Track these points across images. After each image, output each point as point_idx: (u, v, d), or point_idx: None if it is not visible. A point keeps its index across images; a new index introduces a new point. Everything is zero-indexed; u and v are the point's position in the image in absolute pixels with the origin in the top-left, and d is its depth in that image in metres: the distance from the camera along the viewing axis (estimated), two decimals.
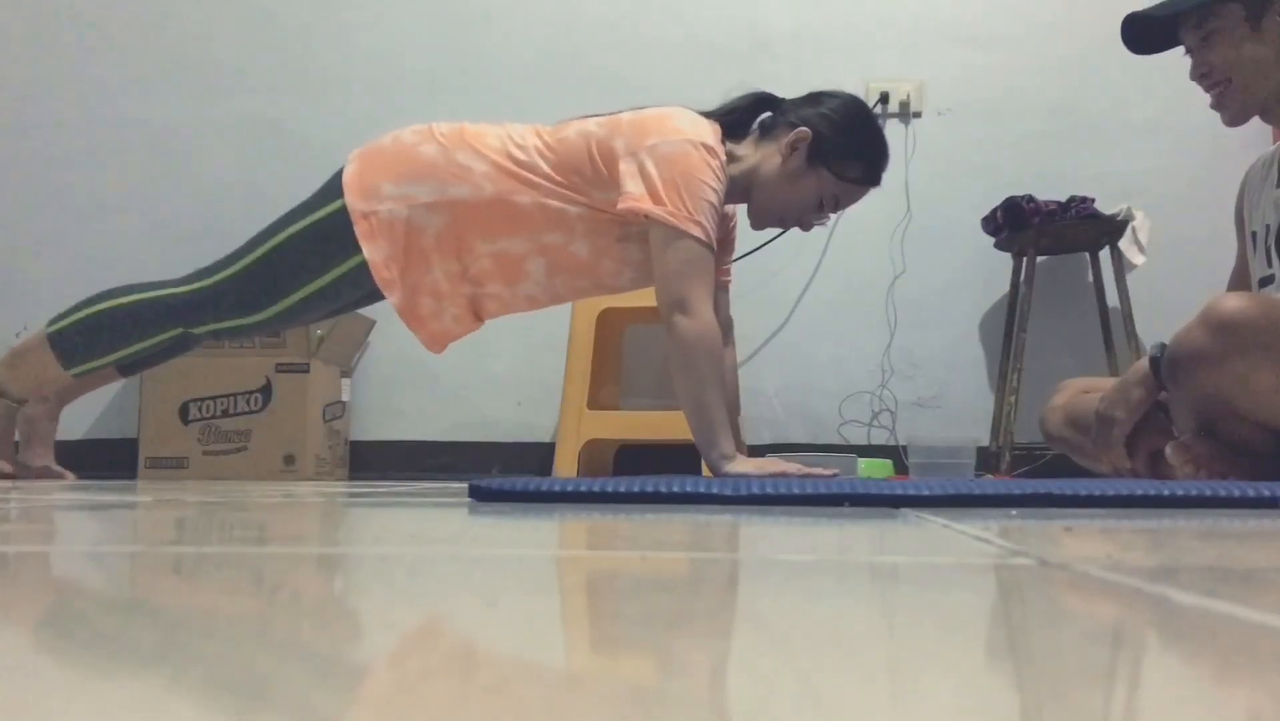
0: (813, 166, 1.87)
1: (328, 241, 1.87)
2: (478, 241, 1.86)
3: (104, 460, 3.11)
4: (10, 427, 2.13)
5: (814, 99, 1.94)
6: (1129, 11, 1.90)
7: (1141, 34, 1.91)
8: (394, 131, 1.96)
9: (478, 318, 1.98)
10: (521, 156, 1.85)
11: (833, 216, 1.98)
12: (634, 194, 1.75)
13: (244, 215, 3.38)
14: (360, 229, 1.84)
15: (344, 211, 1.86)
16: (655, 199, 1.74)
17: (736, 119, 1.94)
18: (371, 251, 1.84)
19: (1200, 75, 1.85)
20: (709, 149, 1.79)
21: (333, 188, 1.91)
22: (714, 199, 1.78)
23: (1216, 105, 1.85)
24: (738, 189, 1.89)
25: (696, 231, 1.73)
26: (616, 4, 3.37)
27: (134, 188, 3.41)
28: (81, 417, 3.16)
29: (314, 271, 1.89)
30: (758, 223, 1.97)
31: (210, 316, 1.95)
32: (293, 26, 3.43)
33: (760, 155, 1.90)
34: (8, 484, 1.94)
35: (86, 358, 2.01)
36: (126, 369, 2.15)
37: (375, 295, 1.96)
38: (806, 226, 1.97)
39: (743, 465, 1.71)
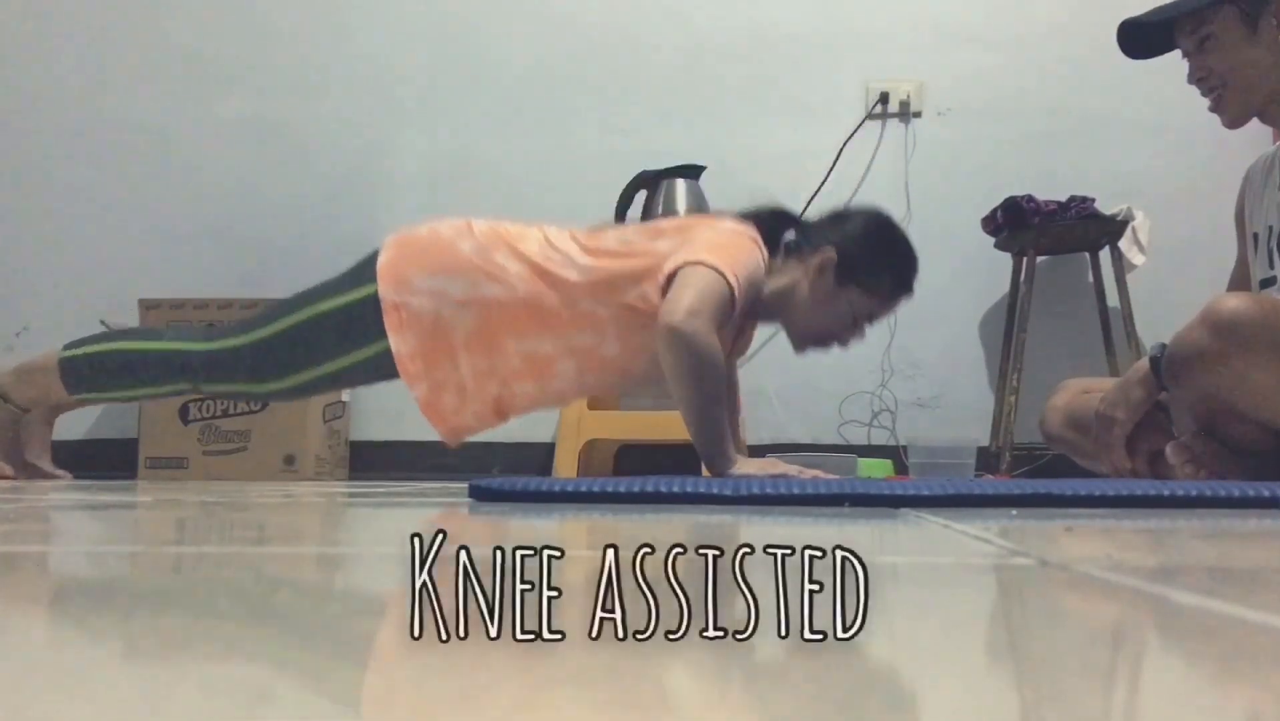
0: (843, 287, 1.86)
1: (352, 326, 1.86)
2: (508, 340, 1.84)
3: (104, 460, 3.11)
4: (14, 433, 2.14)
5: (836, 219, 1.93)
6: (1125, 18, 1.90)
7: (1137, 39, 1.91)
8: (432, 223, 1.95)
9: (500, 415, 1.95)
10: (557, 258, 1.84)
11: (868, 328, 1.96)
12: (676, 259, 1.74)
13: (243, 215, 3.39)
14: (390, 320, 1.83)
15: (374, 298, 1.84)
16: (697, 260, 1.73)
17: (763, 232, 1.90)
18: (399, 344, 1.83)
19: (1198, 79, 1.85)
20: (754, 239, 1.80)
21: (365, 272, 1.89)
22: (752, 274, 1.76)
23: (1215, 108, 1.85)
24: (769, 309, 1.88)
25: (729, 276, 1.71)
26: (616, 4, 3.37)
27: (134, 188, 3.41)
28: (82, 418, 3.16)
29: (333, 353, 1.88)
30: (798, 346, 1.96)
31: (222, 378, 1.94)
32: (293, 26, 3.43)
33: (788, 277, 1.88)
34: (7, 484, 1.94)
35: (90, 389, 2.03)
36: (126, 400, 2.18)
37: (387, 378, 1.95)
38: (845, 344, 1.95)
39: (745, 467, 1.70)
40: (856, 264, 1.86)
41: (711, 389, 1.72)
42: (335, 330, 1.87)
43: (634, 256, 1.82)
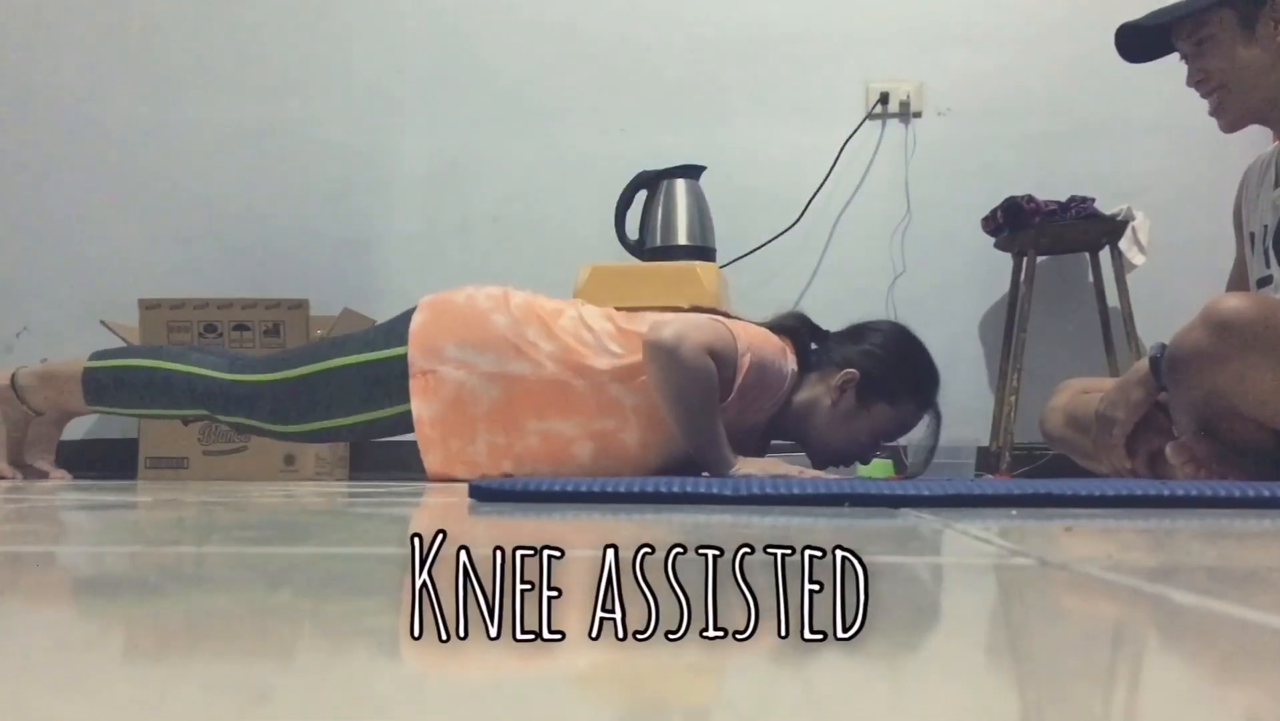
0: (864, 404, 1.88)
1: (377, 384, 1.87)
2: (529, 419, 1.85)
3: (104, 460, 3.11)
4: (21, 434, 2.14)
5: (857, 334, 1.95)
6: (1123, 22, 1.90)
7: (1135, 43, 1.91)
8: (470, 289, 1.95)
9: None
10: (590, 340, 1.85)
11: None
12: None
13: (244, 216, 3.39)
14: (415, 384, 1.84)
15: (403, 360, 1.85)
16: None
17: (792, 342, 1.93)
18: (421, 408, 1.83)
19: (1196, 82, 1.85)
20: (784, 348, 1.83)
21: (397, 332, 1.89)
22: (771, 360, 1.79)
23: (1214, 111, 1.85)
24: (791, 421, 1.89)
25: (733, 333, 1.74)
26: (616, 4, 3.37)
27: (134, 188, 3.41)
28: (82, 418, 3.16)
29: (355, 407, 1.88)
30: (818, 461, 1.96)
31: (240, 412, 1.94)
32: (293, 28, 3.43)
33: (810, 393, 1.90)
34: (7, 484, 1.94)
35: (110, 403, 2.03)
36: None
37: (402, 433, 1.95)
38: (866, 461, 1.99)
39: (747, 467, 1.71)
40: (879, 383, 1.88)
41: (700, 398, 1.72)
42: (361, 383, 1.87)
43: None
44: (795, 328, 1.95)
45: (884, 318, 3.24)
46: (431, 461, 1.88)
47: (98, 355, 2.06)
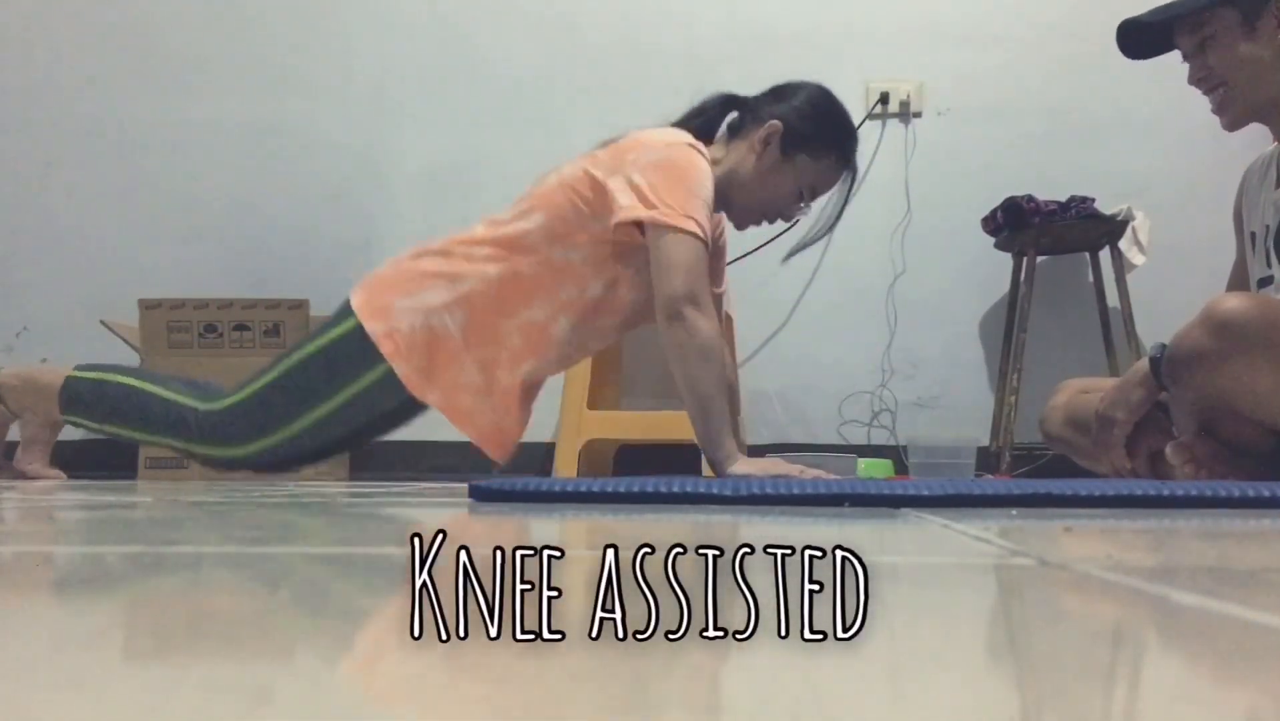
0: (787, 157, 1.90)
1: (338, 360, 1.86)
2: (501, 321, 1.86)
3: (104, 460, 3.11)
4: (3, 434, 2.13)
5: (779, 93, 1.97)
6: (1125, 18, 1.90)
7: (1137, 40, 1.91)
8: (390, 259, 1.97)
9: (522, 400, 1.94)
10: (511, 227, 1.87)
11: (813, 206, 1.99)
12: (625, 205, 1.76)
13: (243, 215, 3.39)
14: (386, 349, 1.83)
15: (357, 330, 1.84)
16: (647, 204, 1.75)
17: (705, 123, 1.97)
18: (403, 368, 1.83)
19: (1198, 80, 1.85)
20: (694, 146, 1.82)
21: (340, 314, 1.89)
22: (705, 195, 1.79)
23: (1216, 109, 1.85)
24: (717, 193, 1.89)
25: (691, 227, 1.74)
26: (616, 4, 3.37)
27: (134, 188, 3.41)
28: None
29: (325, 391, 1.87)
30: (740, 222, 1.99)
31: (219, 440, 1.91)
32: (293, 27, 3.43)
33: (734, 156, 1.93)
34: (6, 484, 1.94)
35: (83, 415, 2.01)
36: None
37: (385, 421, 1.94)
38: (789, 218, 2.00)
39: (745, 465, 1.71)
40: (801, 135, 1.90)
41: (712, 386, 1.74)
42: (324, 365, 1.87)
43: (579, 193, 1.84)
44: (713, 110, 1.99)
45: (884, 314, 3.26)
46: (436, 400, 1.87)
47: (83, 366, 2.04)
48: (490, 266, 1.85)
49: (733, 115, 1.99)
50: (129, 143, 3.41)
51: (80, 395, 2.00)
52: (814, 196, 1.97)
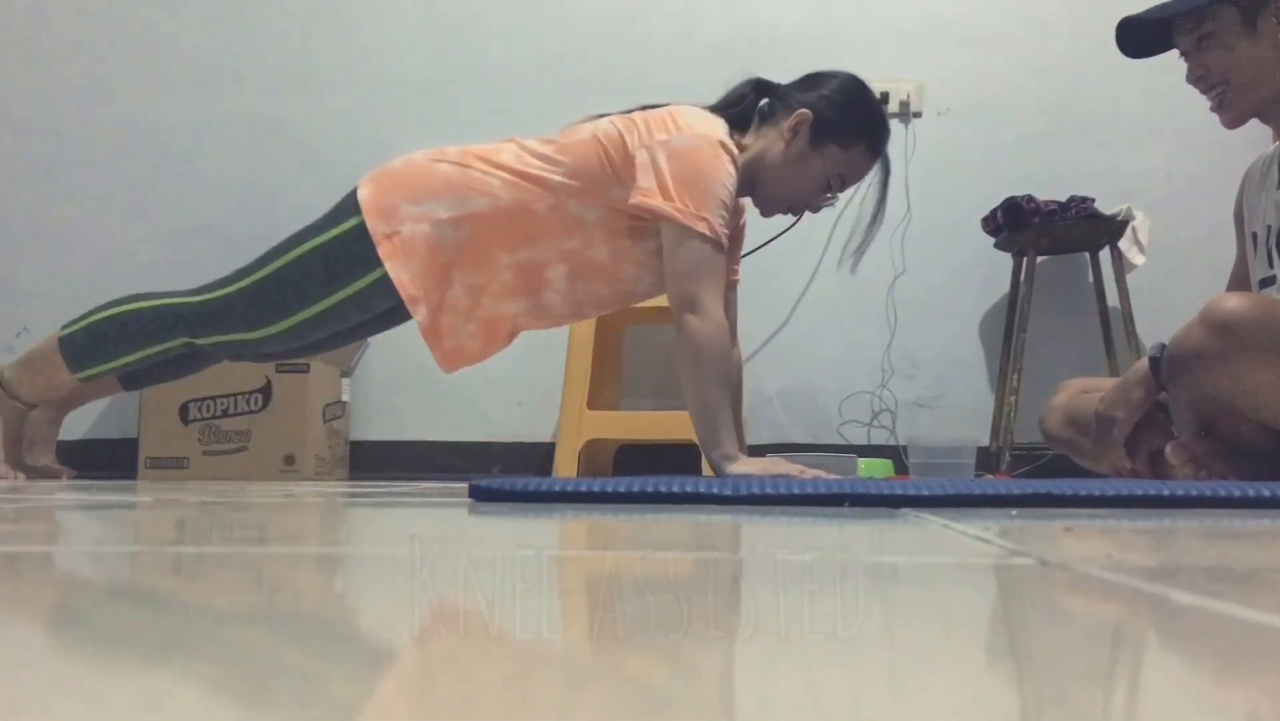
0: (816, 146, 1.89)
1: (339, 259, 1.86)
2: (500, 253, 1.86)
3: (104, 460, 3.11)
4: (20, 431, 2.14)
5: (811, 81, 1.95)
6: (1124, 16, 1.90)
7: (1136, 38, 1.91)
8: (404, 155, 1.95)
9: (495, 337, 1.96)
10: (536, 164, 1.86)
11: (842, 197, 1.98)
12: (645, 188, 1.76)
13: (244, 215, 3.39)
14: (384, 249, 1.83)
15: (358, 230, 1.84)
16: (665, 194, 1.75)
17: (739, 112, 1.95)
18: (397, 270, 1.83)
19: (1198, 78, 1.85)
20: (723, 145, 1.81)
21: (345, 209, 1.89)
22: (725, 196, 1.78)
23: (1216, 108, 1.85)
24: (745, 179, 1.89)
25: (704, 229, 1.74)
26: (616, 3, 3.37)
27: (134, 188, 3.41)
28: (82, 418, 3.16)
29: (323, 290, 1.88)
30: (767, 210, 1.97)
31: (216, 329, 1.94)
32: (293, 26, 3.43)
33: (763, 142, 1.91)
34: (7, 484, 1.94)
35: (93, 361, 2.01)
36: (130, 380, 2.15)
37: (378, 322, 1.96)
38: (815, 209, 1.98)
39: (745, 465, 1.71)
40: (831, 124, 1.88)
41: (716, 391, 1.74)
42: (323, 266, 1.87)
43: (608, 153, 1.82)
44: (745, 95, 1.97)
45: (884, 314, 3.26)
46: (422, 316, 1.88)
47: (67, 323, 2.05)
48: (505, 193, 1.84)
49: (764, 101, 1.97)
50: (129, 143, 3.41)
51: (80, 346, 2.00)
52: (843, 187, 1.95)
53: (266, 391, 2.94)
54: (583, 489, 1.27)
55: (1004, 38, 3.29)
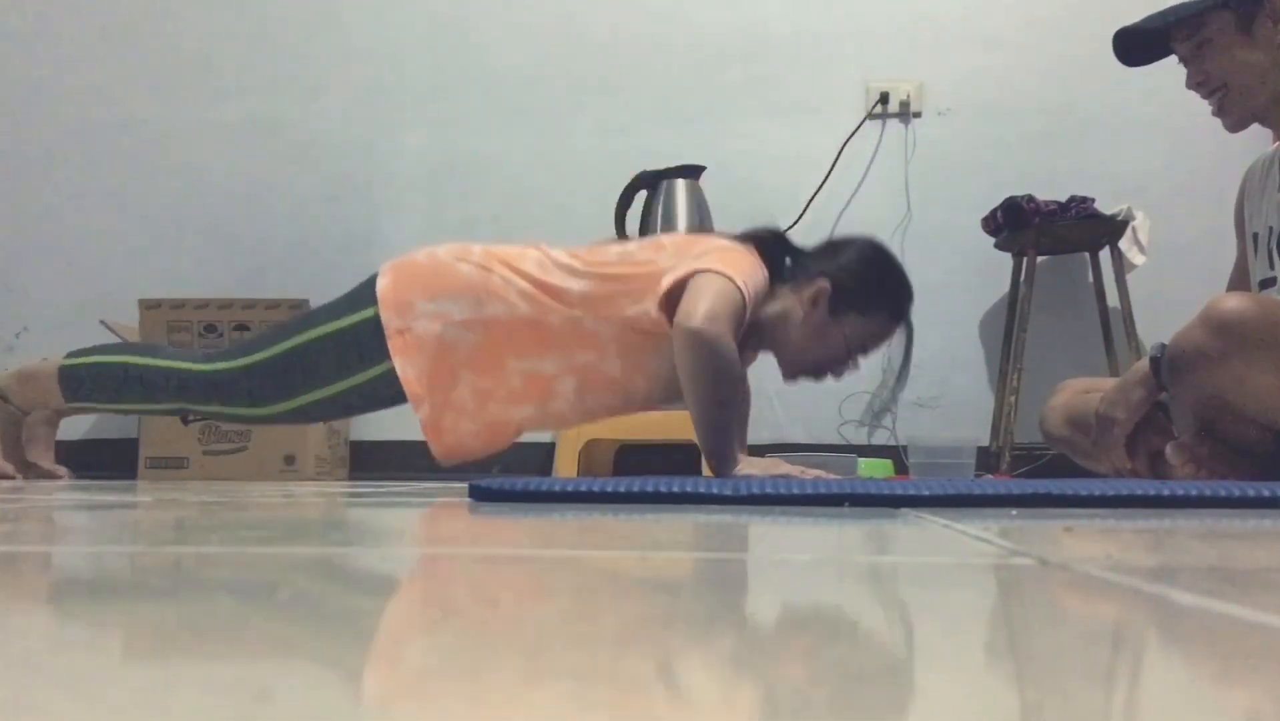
0: (836, 316, 1.86)
1: (351, 348, 1.87)
2: (510, 359, 1.85)
3: (104, 460, 3.11)
4: (15, 434, 2.14)
5: (831, 250, 1.93)
6: (1120, 27, 1.90)
7: (1133, 47, 1.91)
8: (428, 248, 1.95)
9: (497, 439, 1.94)
10: (558, 274, 1.85)
11: (862, 360, 1.95)
12: (679, 270, 1.75)
13: (244, 215, 3.39)
14: (394, 344, 1.84)
15: (373, 322, 1.84)
16: (706, 267, 1.74)
17: (769, 261, 1.90)
18: (405, 367, 1.83)
19: (1197, 84, 1.85)
20: (756, 257, 1.81)
21: (362, 297, 1.89)
22: (758, 285, 1.77)
23: (1217, 112, 1.86)
24: (761, 335, 1.87)
25: (740, 283, 1.71)
26: (616, 3, 3.37)
27: (134, 188, 3.41)
28: (82, 418, 3.16)
29: (332, 376, 1.88)
30: (789, 374, 1.95)
31: (217, 400, 1.94)
32: (293, 26, 3.43)
33: (782, 304, 1.87)
34: (8, 484, 1.94)
35: (87, 399, 2.03)
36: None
37: (381, 404, 1.95)
38: (839, 376, 1.94)
39: (747, 467, 1.70)
40: (851, 294, 1.85)
41: (727, 394, 1.72)
42: (334, 352, 1.87)
43: (634, 272, 1.82)
44: (768, 240, 1.94)
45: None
46: (424, 414, 1.88)
47: (74, 353, 2.06)
48: (522, 303, 1.84)
49: (786, 261, 1.94)
50: (129, 143, 3.41)
51: (79, 382, 2.01)
52: (865, 354, 1.93)
53: None
54: (583, 489, 1.27)
55: (1004, 38, 3.29)
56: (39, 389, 2.07)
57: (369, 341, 1.85)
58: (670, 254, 1.82)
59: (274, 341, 1.92)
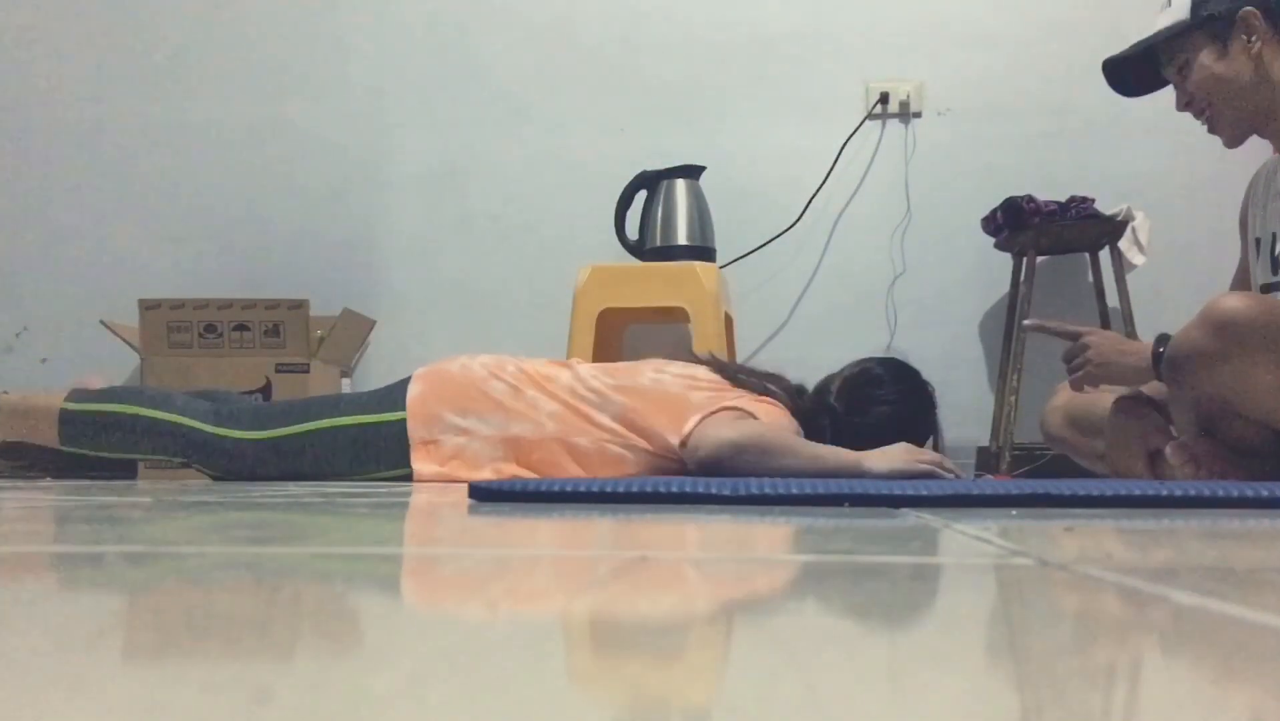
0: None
1: (369, 447, 1.88)
2: (529, 472, 1.88)
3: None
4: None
5: (859, 404, 1.98)
6: (1106, 57, 1.95)
7: (1125, 78, 1.96)
8: (463, 358, 1.97)
9: None
10: (590, 398, 1.88)
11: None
12: (705, 409, 1.79)
13: (243, 216, 3.39)
14: (417, 454, 1.87)
15: (398, 426, 1.87)
16: (733, 405, 1.78)
17: (809, 421, 1.94)
18: (422, 466, 1.87)
19: (1185, 105, 1.89)
20: (791, 421, 1.85)
21: (392, 398, 1.90)
22: (784, 430, 1.81)
23: (1211, 130, 1.90)
24: None
25: (763, 420, 1.77)
26: (616, 4, 3.37)
27: (134, 188, 3.41)
28: None
29: (343, 468, 1.89)
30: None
31: (222, 464, 1.94)
32: (292, 28, 3.43)
33: None
34: (8, 483, 1.94)
35: (85, 447, 1.98)
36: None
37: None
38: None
39: (883, 461, 1.72)
40: (892, 431, 1.91)
41: (776, 456, 1.71)
42: (353, 446, 1.88)
43: (666, 405, 1.85)
44: (811, 409, 1.97)
45: (884, 314, 3.26)
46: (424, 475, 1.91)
47: (76, 396, 2.00)
48: (550, 422, 1.87)
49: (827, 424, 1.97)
50: (129, 143, 3.41)
51: (80, 430, 1.96)
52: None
53: (266, 391, 2.94)
54: (583, 489, 1.27)
55: (1004, 38, 3.29)
56: (30, 426, 1.99)
57: (391, 444, 1.87)
58: (704, 393, 1.85)
59: (295, 419, 1.91)
